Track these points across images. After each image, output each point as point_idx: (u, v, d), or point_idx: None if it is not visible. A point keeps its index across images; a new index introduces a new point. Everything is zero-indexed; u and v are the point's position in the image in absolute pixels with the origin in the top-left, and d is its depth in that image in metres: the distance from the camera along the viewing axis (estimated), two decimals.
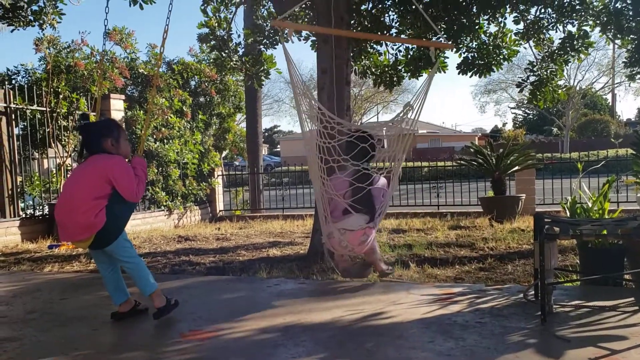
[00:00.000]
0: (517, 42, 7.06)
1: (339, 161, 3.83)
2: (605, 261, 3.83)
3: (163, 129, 9.71)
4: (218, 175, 11.40)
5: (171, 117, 9.81)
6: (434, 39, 6.69)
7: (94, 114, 3.76)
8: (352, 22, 6.21)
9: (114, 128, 3.34)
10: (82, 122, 3.45)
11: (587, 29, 6.69)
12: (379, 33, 6.79)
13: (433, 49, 4.22)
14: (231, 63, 7.50)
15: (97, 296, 4.08)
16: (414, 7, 6.45)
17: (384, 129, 4.09)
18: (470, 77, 7.12)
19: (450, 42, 4.19)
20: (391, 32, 6.99)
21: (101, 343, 2.93)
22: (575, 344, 2.61)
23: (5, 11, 6.16)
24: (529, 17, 6.84)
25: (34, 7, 6.31)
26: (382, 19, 6.87)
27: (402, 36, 6.94)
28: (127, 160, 3.32)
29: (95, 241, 3.15)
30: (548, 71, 7.01)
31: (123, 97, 9.24)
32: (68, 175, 3.03)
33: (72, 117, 8.39)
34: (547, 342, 2.70)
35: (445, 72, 7.21)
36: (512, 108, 50.35)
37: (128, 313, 3.36)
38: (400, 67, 7.30)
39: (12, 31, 6.31)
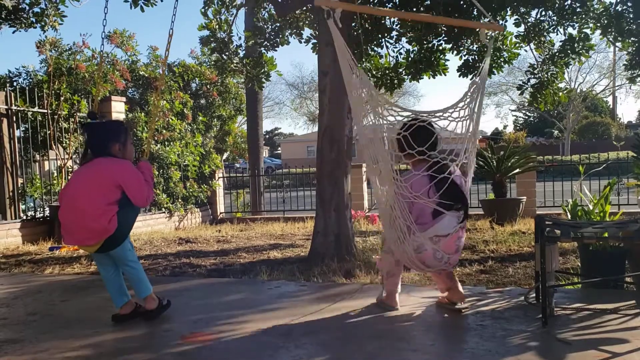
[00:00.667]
0: (517, 45, 7.07)
1: (414, 155, 3.06)
2: (606, 264, 3.83)
3: (164, 131, 9.72)
4: (219, 178, 11.41)
5: (172, 119, 9.82)
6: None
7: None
8: (353, 24, 6.22)
9: (122, 131, 3.30)
10: (90, 120, 3.37)
11: (588, 31, 6.70)
12: (379, 35, 6.80)
13: (484, 31, 3.96)
14: (232, 65, 7.51)
15: (97, 298, 4.08)
16: (414, 9, 6.46)
17: (450, 113, 3.12)
18: (471, 79, 7.13)
19: (499, 24, 3.79)
20: (392, 35, 7.01)
21: (102, 345, 2.92)
22: (576, 346, 2.61)
23: (7, 13, 6.18)
24: (529, 20, 6.85)
25: (36, 9, 6.33)
26: (382, 21, 6.88)
27: (404, 39, 6.94)
28: (135, 162, 3.31)
29: (103, 245, 3.14)
30: (549, 74, 7.02)
31: (124, 99, 9.25)
32: (70, 177, 2.92)
33: (73, 119, 8.40)
34: (548, 345, 2.69)
35: (445, 75, 7.21)
36: (512, 110, 50.39)
37: (129, 315, 3.35)
38: (400, 70, 7.31)
39: (13, 32, 6.33)
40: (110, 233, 3.08)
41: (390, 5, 6.86)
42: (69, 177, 3.31)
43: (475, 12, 6.53)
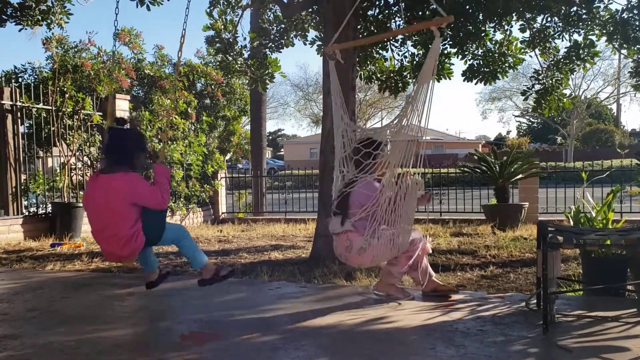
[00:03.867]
0: (522, 50, 7.07)
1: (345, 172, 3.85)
2: (608, 271, 3.81)
3: (168, 130, 9.74)
4: (221, 178, 11.41)
5: (176, 119, 9.84)
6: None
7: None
8: (358, 27, 6.22)
9: (142, 142, 3.54)
10: (117, 126, 3.48)
11: (594, 38, 6.69)
12: (385, 38, 6.80)
13: (434, 28, 4.05)
14: (236, 66, 7.52)
15: (98, 295, 4.08)
16: (420, 13, 6.47)
17: (388, 131, 3.74)
18: (476, 84, 7.13)
19: (448, 16, 3.89)
20: (397, 38, 7.01)
21: (101, 343, 2.92)
22: (577, 354, 2.59)
23: (13, 10, 6.20)
24: (535, 26, 6.85)
25: (42, 7, 6.35)
26: (388, 24, 6.89)
27: (409, 42, 6.94)
28: (146, 169, 3.40)
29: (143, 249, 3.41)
30: (553, 80, 7.01)
31: (128, 97, 9.27)
32: (89, 191, 3.37)
33: (77, 117, 8.42)
34: (549, 352, 2.69)
35: (450, 79, 7.21)
36: (516, 116, 50.39)
37: (155, 282, 3.73)
38: (405, 73, 7.31)
39: (20, 30, 6.35)
40: (141, 247, 3.31)
41: (395, 9, 6.87)
42: (87, 182, 3.57)
43: (481, 17, 6.54)
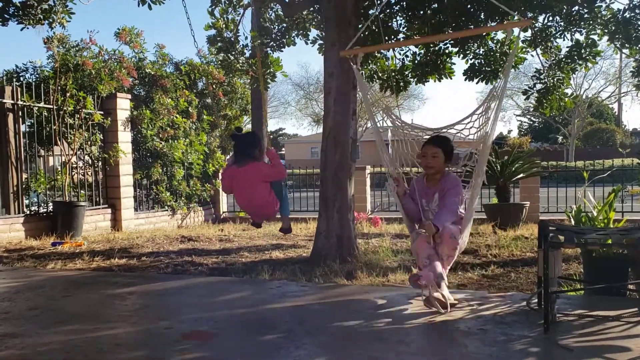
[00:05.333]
0: (524, 50, 7.05)
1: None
2: (609, 271, 3.81)
3: (168, 128, 9.74)
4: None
5: (177, 118, 9.84)
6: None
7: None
8: (359, 26, 6.22)
9: (259, 141, 4.57)
10: (237, 132, 4.63)
11: (595, 37, 6.68)
12: (387, 38, 6.79)
13: (510, 30, 4.12)
14: (238, 65, 7.52)
15: (99, 294, 4.09)
16: (421, 12, 6.46)
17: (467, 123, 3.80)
18: (477, 83, 7.12)
19: (527, 19, 4.04)
20: (399, 37, 7.00)
21: (102, 342, 2.93)
22: (578, 353, 2.60)
23: (15, 9, 6.20)
24: (536, 25, 6.83)
25: (44, 6, 6.34)
26: (389, 24, 6.88)
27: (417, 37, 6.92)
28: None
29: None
30: (555, 79, 7.00)
31: (129, 96, 9.27)
32: (226, 173, 4.63)
33: (78, 116, 8.43)
34: (550, 351, 2.69)
35: (451, 78, 7.20)
36: (517, 115, 50.32)
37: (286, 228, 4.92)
38: (407, 72, 7.30)
39: (21, 29, 6.35)
40: (277, 209, 4.56)
41: (397, 8, 6.86)
42: (223, 172, 4.84)
43: (482, 17, 6.52)
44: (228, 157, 12.27)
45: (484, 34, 6.73)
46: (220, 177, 4.84)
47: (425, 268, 3.39)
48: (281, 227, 4.92)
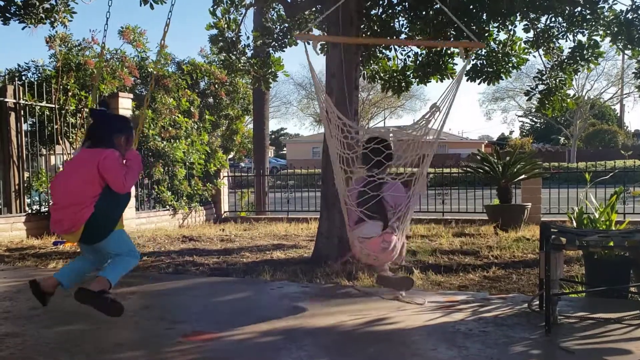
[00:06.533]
0: (526, 51, 7.04)
1: (355, 172, 3.94)
2: (611, 273, 3.80)
3: (170, 128, 9.74)
4: (224, 177, 11.41)
5: (178, 117, 9.84)
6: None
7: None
8: (362, 26, 6.21)
9: (128, 126, 3.41)
10: (101, 108, 3.45)
11: (598, 38, 6.67)
12: (388, 38, 6.79)
13: (462, 49, 4.17)
14: (239, 65, 7.51)
15: None
16: (424, 12, 6.46)
17: (407, 132, 3.97)
18: (479, 84, 7.12)
19: (480, 42, 4.12)
20: (400, 37, 7.00)
21: (103, 341, 2.93)
22: (579, 355, 2.59)
23: (17, 8, 6.20)
24: (539, 26, 6.82)
25: (46, 5, 6.35)
26: (391, 24, 6.88)
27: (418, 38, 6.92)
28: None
29: (85, 235, 3.17)
30: (557, 80, 6.99)
31: (131, 96, 9.27)
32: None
33: (80, 115, 8.43)
34: (551, 353, 2.68)
35: (453, 79, 7.19)
36: (519, 116, 50.26)
37: (52, 294, 3.33)
38: (408, 73, 7.30)
39: (23, 28, 6.35)
40: (85, 219, 3.09)
41: (399, 9, 6.85)
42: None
43: (485, 17, 6.52)
44: (229, 157, 12.29)
45: (486, 34, 6.72)
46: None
47: None
48: (90, 287, 3.15)
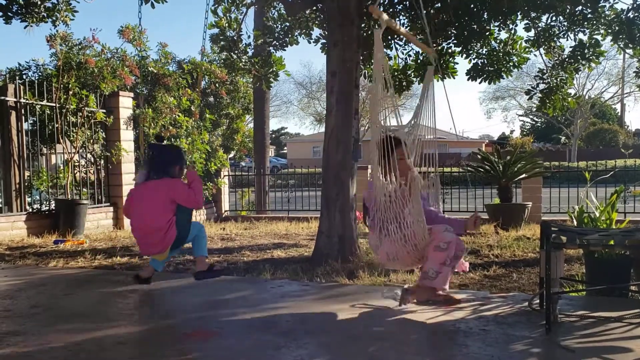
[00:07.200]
0: (527, 50, 7.04)
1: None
2: (612, 272, 3.80)
3: (171, 127, 9.74)
4: (224, 176, 11.41)
5: (179, 116, 9.84)
6: (444, 44, 6.68)
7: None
8: (362, 25, 6.21)
9: (181, 156, 4.13)
10: (156, 142, 4.20)
11: (599, 37, 6.66)
12: (389, 37, 6.79)
13: (432, 53, 4.16)
14: (240, 64, 7.51)
15: (101, 293, 4.09)
16: (425, 12, 6.45)
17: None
18: (480, 83, 7.12)
19: (430, 48, 4.11)
20: (401, 37, 7.00)
21: (104, 340, 2.93)
22: (579, 354, 2.59)
23: (19, 7, 6.20)
24: (540, 25, 6.82)
25: (48, 4, 6.35)
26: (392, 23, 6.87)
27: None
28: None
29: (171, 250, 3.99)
30: (558, 79, 6.98)
31: (132, 94, 9.28)
32: (132, 195, 4.08)
33: (80, 114, 8.43)
34: (552, 352, 2.68)
35: (454, 78, 7.19)
36: (520, 115, 50.26)
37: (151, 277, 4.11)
38: (409, 72, 7.30)
39: (25, 27, 6.35)
40: (169, 242, 3.86)
41: (400, 8, 6.85)
42: (131, 191, 4.13)
43: (485, 16, 6.52)
44: (229, 156, 12.28)
45: (487, 33, 6.72)
46: (127, 197, 4.08)
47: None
48: (196, 270, 4.10)
